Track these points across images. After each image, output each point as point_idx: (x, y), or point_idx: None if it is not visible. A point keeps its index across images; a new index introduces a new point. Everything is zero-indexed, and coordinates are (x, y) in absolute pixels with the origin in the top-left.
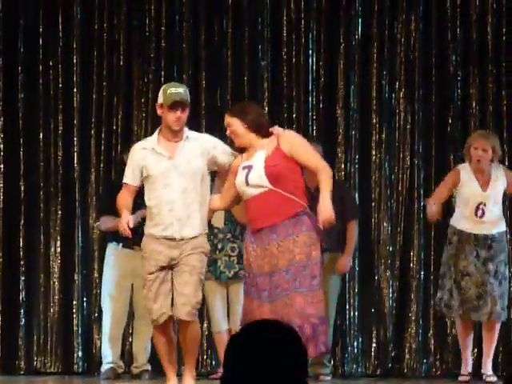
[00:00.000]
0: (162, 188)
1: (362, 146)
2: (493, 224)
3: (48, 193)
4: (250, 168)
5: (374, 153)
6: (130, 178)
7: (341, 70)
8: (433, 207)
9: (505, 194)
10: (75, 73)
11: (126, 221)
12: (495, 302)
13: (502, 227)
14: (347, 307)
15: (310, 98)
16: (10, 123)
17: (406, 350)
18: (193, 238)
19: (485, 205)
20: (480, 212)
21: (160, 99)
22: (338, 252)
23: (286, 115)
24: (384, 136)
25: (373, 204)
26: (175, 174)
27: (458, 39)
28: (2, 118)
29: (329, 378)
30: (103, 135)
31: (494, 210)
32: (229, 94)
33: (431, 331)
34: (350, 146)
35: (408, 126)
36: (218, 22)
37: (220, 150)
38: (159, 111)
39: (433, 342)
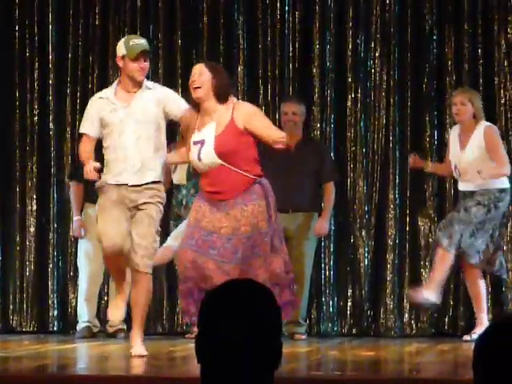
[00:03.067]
0: (117, 135)
1: (338, 106)
2: (476, 182)
3: (24, 150)
4: (202, 143)
5: (349, 112)
6: (89, 128)
7: (316, 29)
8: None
9: None
10: (50, 32)
11: (93, 166)
12: None
13: (492, 184)
14: (323, 266)
15: (286, 58)
16: None
17: (382, 310)
18: (148, 184)
19: (459, 165)
20: (457, 172)
21: (121, 51)
22: (312, 211)
23: (260, 74)
24: (359, 95)
25: (348, 163)
26: (131, 121)
27: None
28: None
29: (304, 336)
30: (78, 94)
31: (473, 171)
32: (204, 52)
33: (406, 290)
34: (325, 106)
35: (384, 85)
36: None
37: (172, 100)
38: (120, 63)
39: (408, 300)
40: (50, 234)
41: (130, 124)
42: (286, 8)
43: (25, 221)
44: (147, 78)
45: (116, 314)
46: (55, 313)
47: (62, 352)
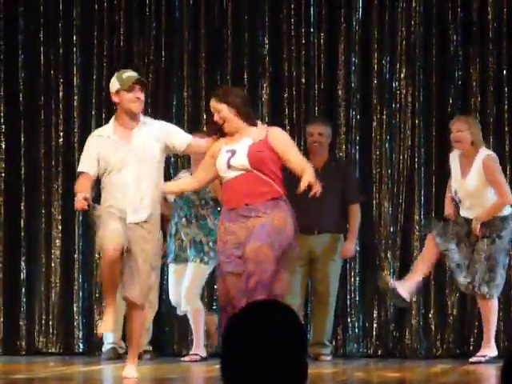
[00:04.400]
0: (116, 172)
1: (363, 127)
2: (476, 211)
3: (49, 172)
4: (233, 152)
5: (374, 133)
6: (87, 166)
7: (341, 50)
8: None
9: None
10: (75, 53)
11: (83, 196)
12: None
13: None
14: (348, 288)
15: (311, 79)
16: (12, 105)
17: (407, 331)
18: (145, 221)
19: (459, 193)
20: (457, 198)
21: (115, 86)
22: (338, 233)
23: (286, 95)
24: (385, 116)
25: (373, 185)
26: (131, 158)
27: (459, 18)
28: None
29: (329, 358)
30: (104, 116)
31: (474, 200)
32: (229, 74)
33: (432, 311)
34: (350, 127)
35: (409, 106)
36: (218, 2)
37: (175, 134)
38: (116, 99)
39: (434, 322)
40: (75, 256)
41: (130, 162)
42: (311, 30)
43: (50, 243)
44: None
45: (106, 327)
46: (80, 334)
47: (88, 374)
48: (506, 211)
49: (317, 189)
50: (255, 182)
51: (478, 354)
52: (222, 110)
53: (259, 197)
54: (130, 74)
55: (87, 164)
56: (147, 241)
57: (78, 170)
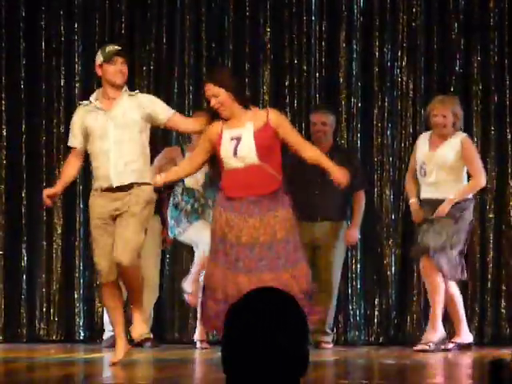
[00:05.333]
0: (98, 140)
1: (364, 114)
2: (440, 188)
3: (50, 162)
4: (238, 140)
5: (375, 121)
6: (73, 140)
7: (343, 38)
8: (414, 206)
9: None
10: (76, 41)
11: (49, 192)
12: None
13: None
14: (350, 275)
15: (312, 67)
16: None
17: (409, 318)
18: (132, 187)
19: (426, 164)
20: (422, 171)
21: (98, 60)
22: (341, 220)
23: (287, 84)
24: (386, 104)
25: (375, 172)
26: (111, 125)
27: (460, 6)
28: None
29: (331, 345)
30: None
31: (440, 174)
32: (230, 62)
33: None
34: (351, 115)
35: (410, 94)
36: None
37: (158, 104)
38: (99, 72)
39: None
40: (76, 244)
41: (110, 128)
42: (313, 17)
43: (51, 230)
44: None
45: (137, 330)
46: (81, 322)
47: (89, 361)
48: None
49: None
50: (260, 175)
51: (422, 341)
52: (219, 95)
53: (264, 190)
54: (111, 48)
55: (73, 139)
56: (137, 203)
57: (68, 144)
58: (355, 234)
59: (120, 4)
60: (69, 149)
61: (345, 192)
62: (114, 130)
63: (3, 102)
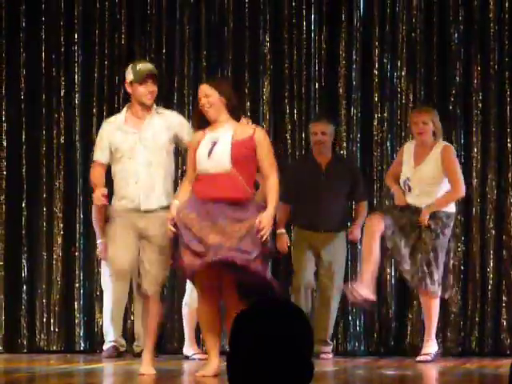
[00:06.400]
0: (127, 161)
1: (364, 125)
2: (422, 199)
3: (50, 172)
4: (215, 142)
5: (375, 131)
6: (99, 154)
7: (342, 47)
8: (398, 191)
9: None
10: (76, 52)
11: (101, 192)
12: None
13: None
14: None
15: (312, 77)
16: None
17: (409, 329)
18: (157, 210)
19: (409, 180)
20: (406, 187)
21: (129, 77)
22: (342, 231)
23: (287, 94)
24: (385, 114)
25: (374, 182)
26: (141, 147)
27: (460, 15)
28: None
29: (330, 356)
30: (104, 113)
31: (424, 186)
32: (230, 72)
33: None
34: (351, 125)
35: (410, 104)
36: (218, 0)
37: (186, 130)
38: (129, 89)
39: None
40: (76, 254)
41: (141, 150)
42: (312, 27)
43: (51, 241)
44: (156, 103)
45: (145, 370)
46: (82, 332)
47: (89, 371)
48: (452, 208)
49: (263, 232)
50: (229, 183)
51: (422, 352)
52: (211, 95)
53: (231, 196)
54: (143, 67)
55: (99, 152)
56: (161, 232)
57: (93, 158)
58: (357, 233)
59: (120, 15)
60: (69, 160)
61: (346, 203)
62: (144, 151)
63: (3, 113)
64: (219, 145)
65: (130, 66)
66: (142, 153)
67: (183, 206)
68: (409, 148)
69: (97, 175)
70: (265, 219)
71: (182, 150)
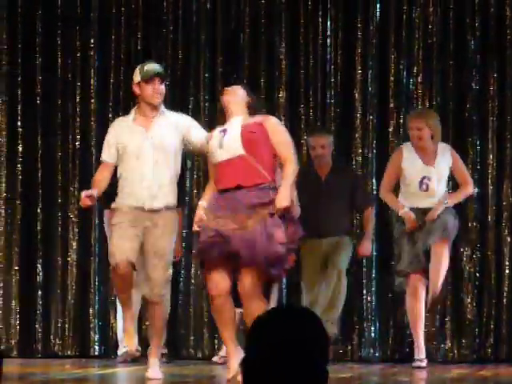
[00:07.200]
0: (134, 160)
1: (380, 131)
2: (437, 198)
3: (66, 176)
4: (225, 131)
5: (391, 137)
6: (107, 154)
7: (358, 54)
8: (409, 214)
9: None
10: (92, 56)
11: (88, 193)
12: None
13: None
14: (364, 292)
15: (328, 83)
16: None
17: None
18: (162, 210)
19: (429, 179)
20: (424, 186)
21: (136, 78)
22: (346, 235)
23: (303, 99)
24: (401, 121)
25: None
26: (148, 146)
27: (477, 24)
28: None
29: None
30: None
31: (440, 186)
32: (245, 77)
33: (448, 316)
34: (367, 131)
35: None
36: (234, 7)
37: (194, 127)
38: (137, 90)
39: (450, 326)
40: (91, 259)
41: (148, 149)
42: (328, 33)
43: (66, 246)
44: (165, 104)
45: (130, 341)
46: (96, 337)
47: (104, 376)
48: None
49: (283, 208)
50: (244, 166)
51: (416, 357)
52: (239, 90)
53: (247, 181)
54: (150, 67)
55: (106, 152)
56: (163, 234)
57: (101, 158)
58: (368, 246)
59: (136, 20)
60: (85, 165)
61: (348, 210)
62: (152, 150)
63: (19, 118)
64: (229, 133)
65: (138, 67)
66: (149, 152)
67: (208, 208)
68: (409, 149)
69: (99, 178)
70: (278, 201)
71: (194, 151)
